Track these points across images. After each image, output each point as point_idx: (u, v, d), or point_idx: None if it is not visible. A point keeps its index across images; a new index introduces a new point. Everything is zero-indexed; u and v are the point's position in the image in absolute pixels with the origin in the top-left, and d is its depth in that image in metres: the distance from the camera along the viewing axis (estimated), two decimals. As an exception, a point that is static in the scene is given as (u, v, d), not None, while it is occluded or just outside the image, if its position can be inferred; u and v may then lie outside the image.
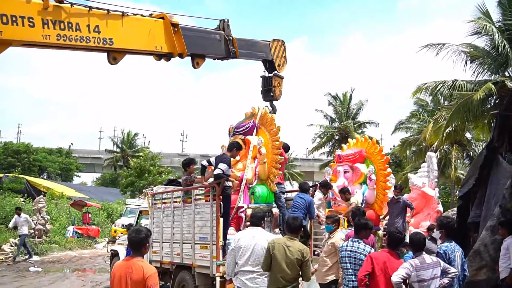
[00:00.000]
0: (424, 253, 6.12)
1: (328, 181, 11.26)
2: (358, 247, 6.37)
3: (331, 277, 7.52)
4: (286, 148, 10.19)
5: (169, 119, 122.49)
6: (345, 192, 10.29)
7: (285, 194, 10.54)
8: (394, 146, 37.20)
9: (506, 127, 10.51)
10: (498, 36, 18.03)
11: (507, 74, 19.24)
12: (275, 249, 5.95)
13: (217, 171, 8.65)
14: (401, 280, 5.80)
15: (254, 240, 6.32)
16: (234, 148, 9.38)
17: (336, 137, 37.74)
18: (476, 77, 19.79)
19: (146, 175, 38.93)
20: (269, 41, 10.59)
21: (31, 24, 7.08)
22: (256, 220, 6.66)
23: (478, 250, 9.45)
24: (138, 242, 4.67)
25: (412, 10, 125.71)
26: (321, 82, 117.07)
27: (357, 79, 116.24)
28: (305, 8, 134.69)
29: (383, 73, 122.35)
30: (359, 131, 38.05)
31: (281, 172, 9.75)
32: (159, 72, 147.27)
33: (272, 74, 10.74)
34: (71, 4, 7.51)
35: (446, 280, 6.11)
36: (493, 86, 17.68)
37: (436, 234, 8.83)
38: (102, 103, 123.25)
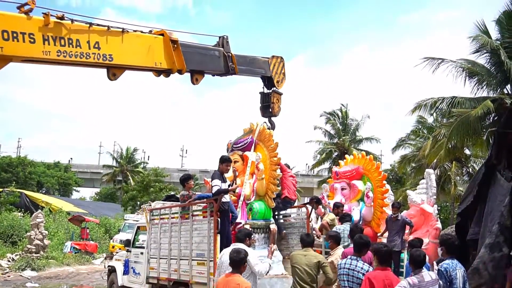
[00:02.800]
0: (423, 270, 6.08)
1: (323, 197, 11.33)
2: (356, 265, 6.32)
3: None
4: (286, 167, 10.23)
5: (169, 135, 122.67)
6: (338, 207, 10.27)
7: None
8: (394, 162, 37.23)
9: (504, 144, 10.56)
10: (503, 53, 18.14)
11: (506, 92, 19.34)
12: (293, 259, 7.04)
13: (214, 188, 8.62)
14: None
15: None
16: (223, 162, 8.93)
17: (335, 154, 37.76)
18: (475, 94, 19.91)
19: (151, 189, 38.88)
20: (268, 58, 10.66)
21: (32, 40, 7.14)
22: (241, 236, 6.90)
23: (477, 267, 9.44)
24: (238, 261, 5.75)
25: (412, 24, 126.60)
26: (321, 97, 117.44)
27: (357, 93, 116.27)
28: (305, 23, 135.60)
29: (384, 86, 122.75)
30: (359, 146, 38.10)
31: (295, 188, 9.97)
32: (160, 87, 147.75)
33: (271, 91, 10.79)
34: (72, 20, 7.58)
35: None
36: (491, 104, 17.78)
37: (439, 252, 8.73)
38: (103, 118, 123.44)
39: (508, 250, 9.45)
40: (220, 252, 8.31)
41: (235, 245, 6.71)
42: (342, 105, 40.28)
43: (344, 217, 9.93)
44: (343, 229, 9.37)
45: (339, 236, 8.10)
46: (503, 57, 18.18)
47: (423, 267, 6.14)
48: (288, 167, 10.33)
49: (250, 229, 8.23)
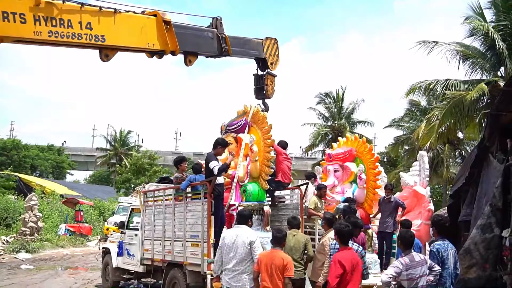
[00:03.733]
0: (413, 251, 6.17)
1: (316, 180, 11.42)
2: None
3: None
4: (284, 144, 10.21)
5: (163, 117, 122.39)
6: (320, 189, 10.32)
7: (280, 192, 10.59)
8: (388, 145, 37.37)
9: (497, 126, 10.58)
10: (497, 36, 18.14)
11: (499, 74, 19.40)
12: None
13: (215, 169, 8.48)
14: (390, 280, 5.86)
15: (236, 238, 6.54)
16: (219, 145, 9.05)
17: (330, 136, 37.81)
18: (469, 76, 19.99)
19: (144, 173, 38.86)
20: (262, 39, 10.58)
21: (23, 21, 7.03)
22: (242, 218, 6.88)
23: (469, 248, 9.53)
24: (280, 238, 6.49)
25: (409, 9, 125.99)
26: (317, 80, 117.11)
27: (353, 77, 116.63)
28: (301, 7, 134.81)
29: (380, 71, 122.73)
30: (353, 129, 38.17)
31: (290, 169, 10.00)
32: (153, 70, 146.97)
33: (264, 72, 10.73)
34: (63, 0, 7.47)
35: (431, 278, 6.17)
36: (486, 87, 17.84)
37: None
38: (96, 101, 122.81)
39: (499, 231, 9.54)
40: (214, 233, 8.40)
41: (239, 227, 6.75)
42: (341, 86, 40.19)
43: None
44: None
45: (332, 219, 8.12)
46: (497, 40, 18.22)
47: (413, 248, 6.23)
48: (285, 146, 10.28)
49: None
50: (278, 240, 6.47)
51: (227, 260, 6.54)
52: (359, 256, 6.29)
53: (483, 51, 19.69)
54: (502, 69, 19.32)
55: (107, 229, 24.24)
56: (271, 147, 9.54)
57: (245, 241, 6.48)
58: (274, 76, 10.82)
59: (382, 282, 5.90)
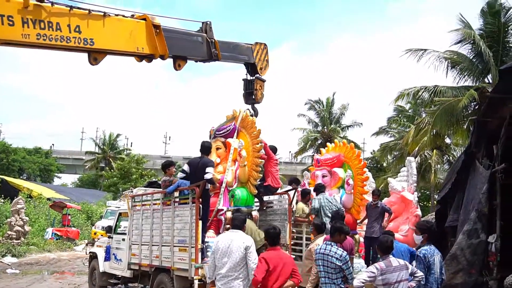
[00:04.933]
0: (390, 256, 6.18)
1: (304, 184, 11.47)
2: (330, 250, 6.41)
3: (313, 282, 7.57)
4: (273, 149, 10.23)
5: (152, 121, 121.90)
6: (304, 196, 10.42)
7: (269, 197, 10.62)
8: (375, 150, 37.57)
9: (483, 133, 10.67)
10: (482, 43, 18.42)
11: (487, 81, 19.64)
12: None
13: (208, 175, 8.53)
14: (362, 285, 5.88)
15: (231, 243, 6.44)
16: (210, 149, 9.22)
17: (319, 141, 37.95)
18: (458, 83, 20.23)
19: (133, 176, 38.64)
20: (252, 44, 10.61)
21: (11, 23, 7.00)
22: (238, 223, 6.78)
23: (455, 254, 9.58)
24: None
25: (402, 12, 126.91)
26: (306, 85, 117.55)
27: (343, 81, 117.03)
28: (292, 9, 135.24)
29: (370, 74, 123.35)
30: (343, 134, 38.34)
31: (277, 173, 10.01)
32: (143, 73, 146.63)
33: (254, 77, 10.75)
34: (52, 3, 7.45)
35: (413, 284, 6.18)
36: (476, 93, 18.05)
37: (417, 238, 8.86)
38: (85, 104, 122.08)
39: (485, 237, 9.61)
40: (202, 238, 8.39)
41: (233, 232, 6.66)
42: (332, 93, 40.48)
43: (319, 189, 10.16)
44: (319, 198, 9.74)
45: (321, 226, 8.15)
46: (483, 48, 18.47)
47: (392, 253, 6.26)
48: (274, 151, 10.31)
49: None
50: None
51: (220, 265, 6.41)
52: (343, 261, 6.31)
53: (471, 58, 19.94)
54: (489, 76, 19.57)
55: (95, 233, 24.07)
56: (263, 150, 9.54)
57: (240, 246, 6.37)
58: (263, 81, 10.84)
59: (354, 287, 5.94)
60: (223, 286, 6.33)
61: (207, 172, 8.52)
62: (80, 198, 38.01)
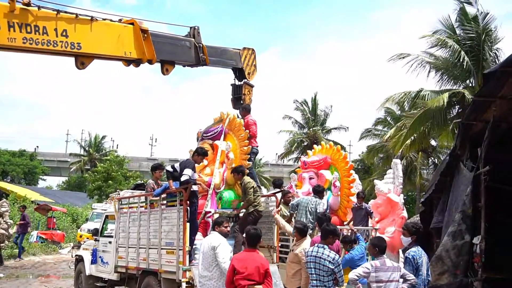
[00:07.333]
0: (385, 256, 6.31)
1: (291, 187, 11.53)
2: (323, 253, 6.47)
3: (297, 284, 7.62)
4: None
5: (138, 124, 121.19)
6: (285, 195, 10.41)
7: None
8: (362, 152, 37.81)
9: (467, 135, 10.82)
10: (460, 50, 18.82)
11: (469, 84, 19.96)
12: None
13: (184, 177, 8.57)
14: (357, 278, 6.07)
15: (204, 244, 6.81)
16: (195, 153, 9.05)
17: (305, 143, 38.10)
18: (440, 86, 20.55)
19: (110, 181, 38.27)
20: (239, 49, 10.67)
21: (-4, 27, 6.99)
22: (213, 224, 7.06)
23: (440, 255, 9.68)
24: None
25: (384, 20, 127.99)
26: (292, 88, 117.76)
27: (327, 85, 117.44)
28: (278, 15, 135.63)
29: (354, 78, 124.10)
30: (328, 136, 38.56)
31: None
32: (129, 76, 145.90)
33: (242, 82, 10.81)
34: (39, 7, 7.44)
35: (405, 286, 6.30)
36: (454, 97, 18.37)
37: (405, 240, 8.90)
38: (70, 106, 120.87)
39: (470, 238, 9.73)
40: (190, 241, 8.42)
41: (210, 233, 6.95)
42: (314, 93, 40.68)
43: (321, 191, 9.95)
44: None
45: (304, 229, 8.11)
46: (462, 53, 18.89)
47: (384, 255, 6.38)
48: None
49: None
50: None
51: (200, 266, 6.78)
52: (336, 264, 6.38)
53: (452, 62, 20.26)
54: (472, 79, 19.92)
55: (81, 236, 23.88)
56: (247, 155, 9.58)
57: (209, 246, 6.65)
58: (251, 86, 10.90)
59: (350, 279, 6.14)
60: (201, 287, 6.61)
61: (184, 174, 8.52)
62: (65, 201, 37.64)
